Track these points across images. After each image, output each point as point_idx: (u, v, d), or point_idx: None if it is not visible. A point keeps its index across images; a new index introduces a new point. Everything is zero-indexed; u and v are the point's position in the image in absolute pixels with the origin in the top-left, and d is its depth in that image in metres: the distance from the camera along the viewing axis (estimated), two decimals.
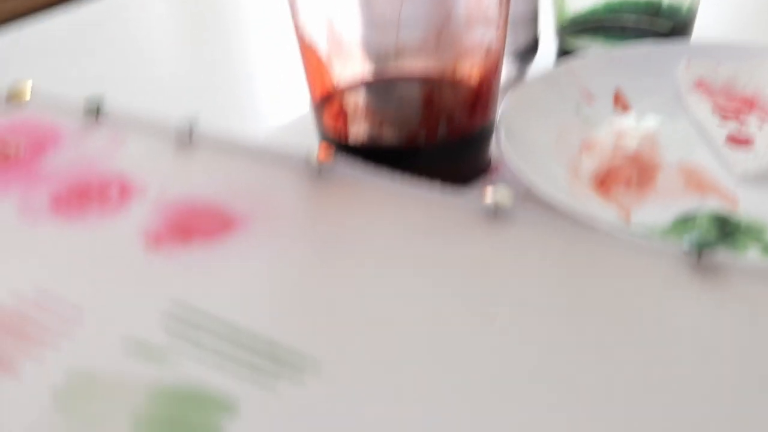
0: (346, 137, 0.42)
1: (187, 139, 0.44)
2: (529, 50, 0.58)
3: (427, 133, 0.41)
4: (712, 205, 0.43)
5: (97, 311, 0.34)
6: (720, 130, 0.49)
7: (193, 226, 0.39)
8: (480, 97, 0.42)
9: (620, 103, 0.53)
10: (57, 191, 0.42)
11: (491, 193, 0.37)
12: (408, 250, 0.36)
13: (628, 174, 0.46)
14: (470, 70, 0.42)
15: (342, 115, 0.43)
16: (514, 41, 0.55)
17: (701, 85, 0.53)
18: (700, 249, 0.33)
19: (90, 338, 0.32)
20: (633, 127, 0.51)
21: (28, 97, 0.53)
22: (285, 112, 0.57)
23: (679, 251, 0.34)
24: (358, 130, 0.43)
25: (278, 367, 0.31)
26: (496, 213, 0.37)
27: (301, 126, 0.51)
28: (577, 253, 0.35)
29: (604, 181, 0.45)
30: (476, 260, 0.35)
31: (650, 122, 0.51)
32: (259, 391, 0.30)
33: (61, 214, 0.40)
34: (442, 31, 0.40)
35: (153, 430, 0.28)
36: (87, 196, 0.41)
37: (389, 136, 0.42)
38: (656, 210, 0.43)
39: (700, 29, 0.61)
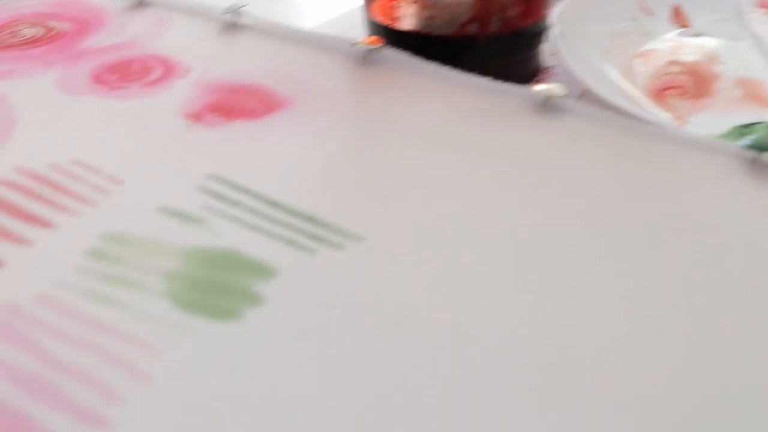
0: (396, 26, 0.41)
1: (233, 23, 0.43)
2: None
3: (480, 25, 0.40)
4: None
5: (133, 182, 0.33)
6: None
7: (235, 106, 0.38)
8: None
9: (679, 19, 0.51)
10: (99, 68, 0.41)
11: (543, 87, 0.36)
12: (454, 135, 0.35)
13: (685, 83, 0.44)
14: None
15: (392, 3, 0.42)
16: None
17: (764, 5, 0.51)
18: (758, 150, 0.32)
19: (125, 207, 0.32)
20: (691, 43, 0.49)
21: None
22: (332, 7, 0.55)
23: (735, 150, 0.33)
24: (409, 19, 0.42)
25: (317, 243, 0.30)
26: (547, 104, 0.36)
27: (349, 21, 0.50)
28: (630, 147, 0.34)
29: (659, 89, 0.44)
30: (524, 148, 0.34)
31: (709, 40, 0.49)
32: (296, 256, 0.29)
33: (102, 89, 0.39)
34: None
35: (187, 289, 0.28)
36: (129, 73, 0.40)
37: (440, 26, 0.40)
38: (712, 120, 0.42)
39: None
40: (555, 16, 0.44)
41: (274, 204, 0.32)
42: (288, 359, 0.25)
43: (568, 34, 0.44)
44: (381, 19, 0.42)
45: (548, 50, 0.45)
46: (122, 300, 0.28)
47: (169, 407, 0.24)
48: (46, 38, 0.44)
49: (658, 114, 0.41)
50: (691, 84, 0.45)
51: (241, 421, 0.24)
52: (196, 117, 0.37)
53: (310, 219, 0.31)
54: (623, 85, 0.43)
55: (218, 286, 0.28)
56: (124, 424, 0.23)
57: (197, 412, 0.24)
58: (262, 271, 0.29)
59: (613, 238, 0.29)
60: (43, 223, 0.31)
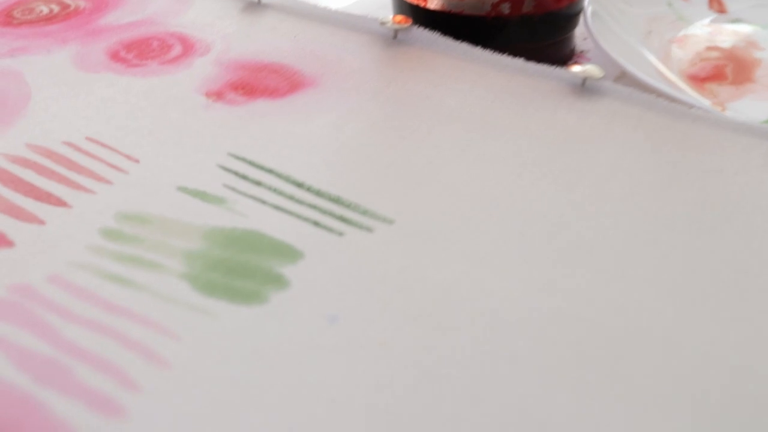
0: (425, 5, 0.39)
1: (256, 1, 0.42)
2: None
3: (513, 5, 0.38)
4: None
5: (150, 161, 0.32)
6: None
7: (258, 84, 0.36)
8: None
9: (716, 4, 0.49)
10: (116, 45, 0.40)
11: (580, 68, 0.34)
12: (487, 117, 0.33)
13: (724, 69, 0.42)
14: None
15: None
16: None
17: None
18: None
19: (142, 185, 0.30)
20: (728, 29, 0.47)
21: None
22: None
23: None
24: None
25: (345, 225, 0.28)
26: (584, 86, 0.34)
27: (376, 0, 0.48)
28: (673, 130, 0.32)
29: (697, 74, 0.42)
30: (562, 130, 0.32)
31: (746, 26, 0.47)
32: (323, 238, 0.27)
33: (118, 66, 0.38)
34: None
35: (207, 270, 0.26)
36: (147, 50, 0.39)
37: (472, 5, 0.39)
38: (753, 106, 0.40)
39: None
40: None
41: (299, 184, 0.30)
42: (315, 344, 0.24)
43: (601, 16, 0.42)
44: (410, 1, 0.40)
45: (581, 35, 0.43)
46: (138, 281, 0.26)
47: (189, 395, 0.22)
48: (62, 15, 0.43)
49: (698, 99, 0.39)
50: (730, 70, 0.43)
51: (265, 409, 0.22)
52: (216, 95, 0.35)
53: (336, 200, 0.29)
54: (660, 70, 0.41)
55: (240, 268, 0.26)
56: (140, 412, 0.22)
57: (218, 400, 0.22)
58: (287, 252, 0.27)
59: (659, 223, 0.28)
60: (56, 201, 0.29)
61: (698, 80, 0.41)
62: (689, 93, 0.39)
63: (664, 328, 0.24)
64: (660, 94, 0.35)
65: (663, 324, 0.24)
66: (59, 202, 0.29)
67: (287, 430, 0.21)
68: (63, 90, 0.36)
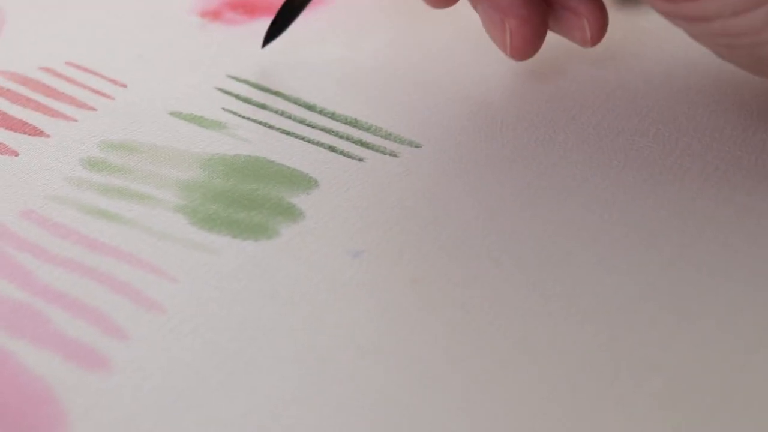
0: None
1: None
2: None
3: None
4: None
5: (139, 85, 0.28)
6: None
7: (260, 2, 0.32)
8: None
9: None
10: None
11: None
12: None
13: None
14: None
15: None
16: None
17: None
18: None
19: (130, 112, 0.26)
20: None
21: None
22: None
23: None
24: None
25: (365, 150, 0.24)
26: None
27: None
28: None
29: None
30: (604, 45, 0.28)
31: None
32: (340, 164, 0.24)
33: None
34: None
35: (206, 202, 0.22)
36: None
37: None
38: None
39: None
40: None
41: (310, 107, 0.26)
42: (337, 282, 0.20)
43: None
44: None
45: None
46: (127, 216, 0.22)
47: (185, 343, 0.19)
48: None
49: None
50: None
51: (278, 359, 0.18)
52: (213, 15, 0.32)
53: (354, 123, 0.25)
54: None
55: (245, 199, 0.22)
56: (127, 363, 0.18)
57: (221, 350, 0.18)
58: (300, 181, 0.23)
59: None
60: (32, 130, 0.26)
61: None
62: None
63: None
64: None
65: None
66: (35, 131, 0.26)
67: (307, 386, 0.17)
68: (41, 12, 0.32)
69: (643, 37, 0.30)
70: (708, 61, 0.28)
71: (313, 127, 0.26)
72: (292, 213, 0.22)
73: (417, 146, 0.25)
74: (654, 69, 0.28)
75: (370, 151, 0.24)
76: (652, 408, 0.17)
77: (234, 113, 0.26)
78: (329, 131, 0.25)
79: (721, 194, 0.23)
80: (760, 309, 0.19)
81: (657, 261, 0.21)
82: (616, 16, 0.30)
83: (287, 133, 0.25)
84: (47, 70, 0.29)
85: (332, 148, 0.25)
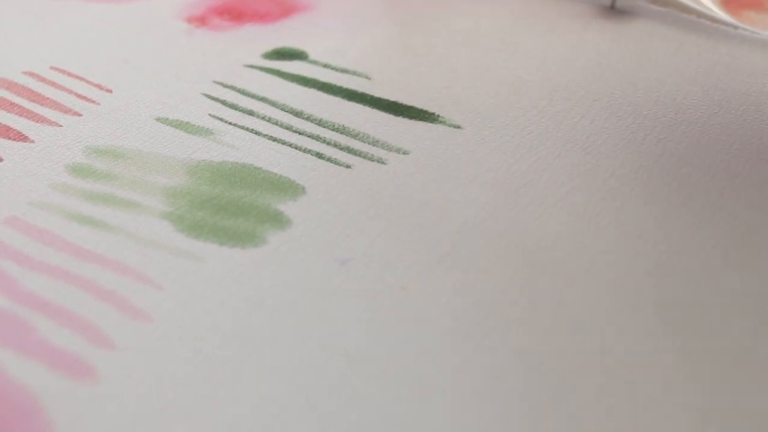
0: None
1: None
2: None
3: None
4: None
5: (125, 91, 0.27)
6: None
7: (246, 9, 0.32)
8: None
9: None
10: None
11: None
12: (506, 39, 0.30)
13: None
14: None
15: None
16: None
17: None
18: None
19: (116, 118, 0.26)
20: None
21: None
22: None
23: None
24: None
25: (352, 156, 0.24)
26: (613, 7, 0.30)
27: None
28: (717, 52, 0.28)
29: (733, 2, 0.38)
30: (593, 53, 0.28)
31: None
32: (328, 171, 0.23)
33: None
34: None
35: (192, 209, 0.22)
36: None
37: None
38: None
39: None
40: None
41: (297, 113, 0.26)
42: (325, 290, 0.20)
43: None
44: None
45: None
46: (112, 223, 0.22)
47: (172, 353, 0.18)
48: None
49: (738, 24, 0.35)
50: None
51: (266, 368, 0.18)
52: (199, 20, 0.31)
53: (342, 130, 0.25)
54: None
55: (232, 206, 0.22)
56: (113, 373, 0.18)
57: (208, 359, 0.18)
58: (287, 188, 0.23)
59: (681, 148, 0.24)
60: (15, 135, 0.25)
61: (735, 6, 0.37)
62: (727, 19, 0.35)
63: None
64: (700, 14, 0.31)
65: None
66: (19, 137, 0.25)
67: (296, 395, 0.17)
68: (26, 17, 0.32)
69: (632, 45, 0.30)
70: (696, 66, 0.28)
71: (301, 134, 0.25)
72: (279, 220, 0.22)
73: (405, 153, 0.24)
74: (641, 75, 0.28)
75: (357, 158, 0.24)
76: (644, 415, 0.17)
77: (221, 119, 0.26)
78: (317, 138, 0.25)
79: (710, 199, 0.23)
80: (752, 314, 0.19)
81: (647, 267, 0.21)
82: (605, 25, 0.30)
83: (274, 139, 0.25)
84: (32, 74, 0.28)
85: (320, 155, 0.24)
